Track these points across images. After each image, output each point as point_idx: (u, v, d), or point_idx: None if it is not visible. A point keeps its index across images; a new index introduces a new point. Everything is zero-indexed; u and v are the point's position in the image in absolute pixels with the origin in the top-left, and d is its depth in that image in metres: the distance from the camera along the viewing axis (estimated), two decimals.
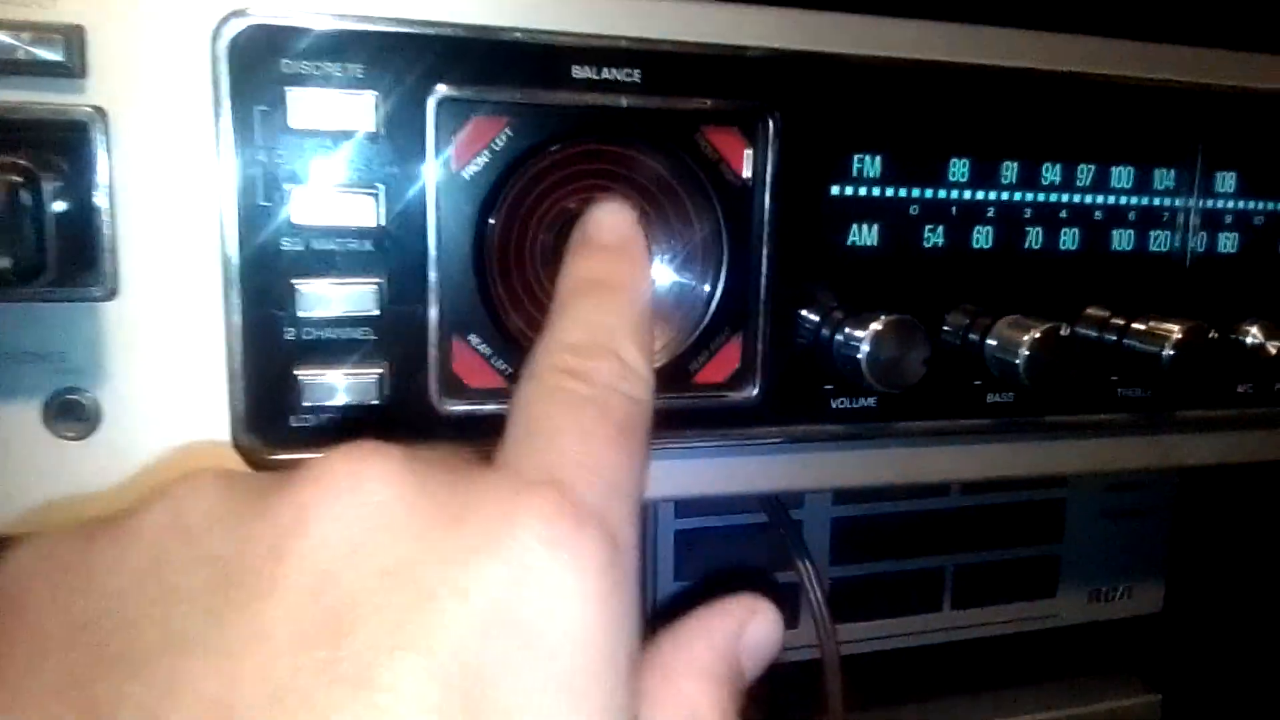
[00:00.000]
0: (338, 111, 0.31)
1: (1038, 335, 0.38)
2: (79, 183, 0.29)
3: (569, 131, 0.34)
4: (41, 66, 0.29)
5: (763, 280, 0.36)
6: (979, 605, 0.63)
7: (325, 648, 0.18)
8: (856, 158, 0.37)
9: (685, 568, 0.56)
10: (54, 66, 0.29)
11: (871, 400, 0.39)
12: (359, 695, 0.17)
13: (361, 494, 0.19)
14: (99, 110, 0.30)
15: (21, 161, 0.27)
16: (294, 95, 0.30)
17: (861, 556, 0.60)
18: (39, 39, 0.28)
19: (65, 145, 0.29)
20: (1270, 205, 0.44)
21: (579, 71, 0.33)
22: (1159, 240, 0.43)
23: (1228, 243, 0.44)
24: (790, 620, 0.59)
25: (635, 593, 0.21)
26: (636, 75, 0.34)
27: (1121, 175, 0.42)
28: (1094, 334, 0.42)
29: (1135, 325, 0.41)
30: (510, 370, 0.35)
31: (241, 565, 0.19)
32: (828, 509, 0.58)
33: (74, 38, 0.29)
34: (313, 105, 0.31)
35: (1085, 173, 0.41)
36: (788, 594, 0.58)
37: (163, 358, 0.32)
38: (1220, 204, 0.44)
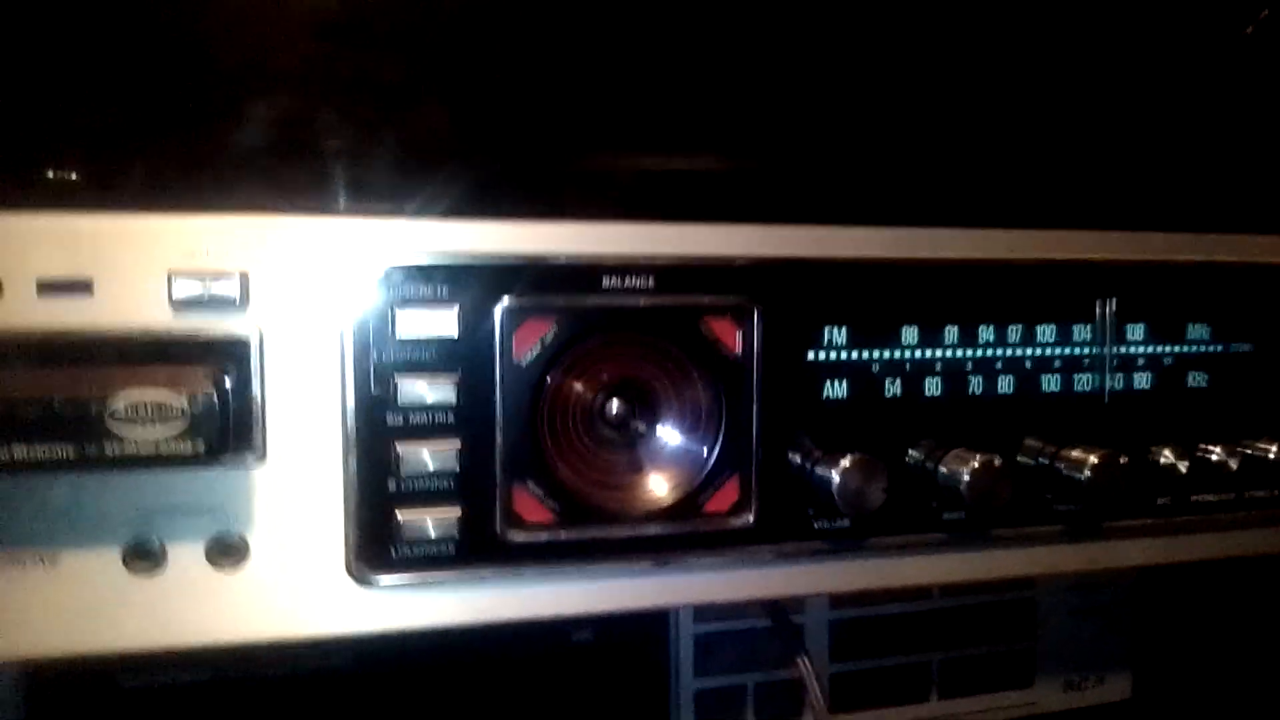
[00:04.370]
0: (430, 323, 0.41)
1: (976, 465, 0.48)
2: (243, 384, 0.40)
3: (601, 326, 0.44)
4: (217, 301, 0.40)
5: (754, 431, 0.47)
6: (963, 695, 0.71)
7: None
8: (826, 329, 0.48)
9: (702, 666, 0.65)
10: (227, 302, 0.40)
11: (846, 521, 0.49)
12: None
13: None
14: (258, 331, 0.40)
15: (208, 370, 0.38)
16: (400, 314, 0.41)
17: (857, 654, 0.68)
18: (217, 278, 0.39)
19: (234, 356, 0.40)
20: (1175, 349, 0.54)
21: (607, 282, 0.44)
22: (1082, 382, 0.53)
23: (1141, 381, 0.54)
24: (794, 711, 0.68)
25: None
26: (651, 281, 0.44)
27: (1046, 332, 0.52)
28: (1031, 461, 0.52)
29: (1063, 452, 0.51)
30: (558, 508, 0.45)
31: None
32: (826, 613, 0.67)
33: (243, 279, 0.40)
34: (412, 320, 0.41)
35: (1015, 331, 0.51)
36: (792, 688, 0.66)
37: (299, 508, 0.42)
38: (1130, 350, 0.54)
